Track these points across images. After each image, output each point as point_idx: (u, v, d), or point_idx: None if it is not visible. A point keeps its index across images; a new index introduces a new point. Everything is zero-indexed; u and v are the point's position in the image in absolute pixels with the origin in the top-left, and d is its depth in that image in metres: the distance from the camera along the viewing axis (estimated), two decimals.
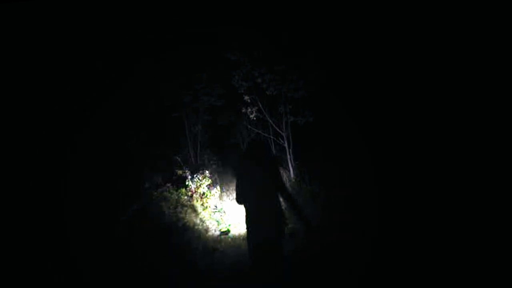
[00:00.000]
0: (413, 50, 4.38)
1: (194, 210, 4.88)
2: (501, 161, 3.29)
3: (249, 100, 5.17)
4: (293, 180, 5.11)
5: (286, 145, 5.23)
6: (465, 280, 2.69)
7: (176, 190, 5.08)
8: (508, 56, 3.52)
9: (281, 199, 2.87)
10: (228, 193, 5.67)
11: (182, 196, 5.01)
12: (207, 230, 4.55)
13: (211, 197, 5.11)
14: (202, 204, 5.00)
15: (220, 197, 5.32)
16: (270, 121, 5.30)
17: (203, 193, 5.06)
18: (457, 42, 3.95)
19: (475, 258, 2.79)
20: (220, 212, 4.96)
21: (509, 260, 2.67)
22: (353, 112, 4.95)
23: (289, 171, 5.26)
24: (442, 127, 3.95)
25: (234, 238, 4.34)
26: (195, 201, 5.00)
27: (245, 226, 2.89)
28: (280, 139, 5.31)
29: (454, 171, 3.52)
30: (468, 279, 2.68)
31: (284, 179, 5.12)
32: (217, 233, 4.52)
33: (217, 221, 4.77)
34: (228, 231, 4.55)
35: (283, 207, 2.89)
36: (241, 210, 3.05)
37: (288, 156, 5.22)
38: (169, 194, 5.00)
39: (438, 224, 3.22)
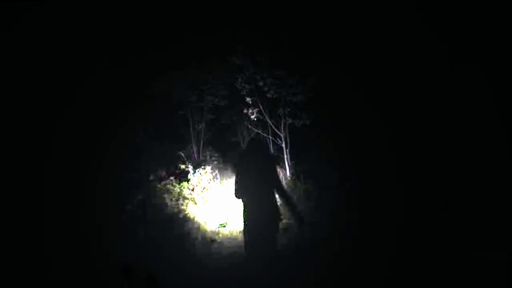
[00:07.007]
0: (409, 55, 4.41)
1: (195, 203, 4.91)
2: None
3: (250, 102, 5.21)
4: (289, 179, 5.15)
5: (283, 145, 5.27)
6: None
7: (179, 184, 5.12)
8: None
9: (276, 196, 2.91)
10: (227, 188, 5.70)
11: (184, 189, 5.04)
12: (206, 222, 4.59)
13: (211, 191, 5.14)
14: (203, 198, 5.03)
15: (220, 191, 5.36)
16: (270, 122, 5.33)
17: (204, 187, 5.10)
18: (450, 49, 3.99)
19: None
20: (219, 206, 5.00)
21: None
22: (348, 116, 5.00)
23: (285, 169, 5.30)
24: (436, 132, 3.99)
25: (231, 231, 4.38)
26: (196, 194, 5.03)
27: (242, 219, 2.93)
28: (278, 140, 5.35)
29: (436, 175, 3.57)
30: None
31: (281, 177, 5.15)
32: (216, 225, 4.56)
33: (216, 214, 4.80)
34: (226, 224, 4.58)
35: (278, 203, 2.93)
36: (239, 204, 3.10)
37: (285, 156, 5.26)
38: (172, 187, 5.04)
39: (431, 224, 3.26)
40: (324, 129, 5.14)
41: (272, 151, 5.53)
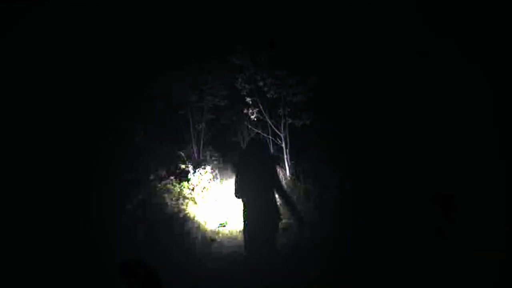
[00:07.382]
0: (409, 55, 4.41)
1: (195, 202, 4.91)
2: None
3: (250, 102, 5.21)
4: (289, 179, 5.15)
5: (283, 145, 5.26)
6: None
7: (179, 183, 5.11)
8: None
9: (276, 196, 2.91)
10: (227, 188, 5.70)
11: (184, 189, 5.04)
12: (206, 221, 4.58)
13: (211, 191, 5.14)
14: (203, 197, 5.03)
15: (220, 191, 5.35)
16: (270, 122, 5.33)
17: (204, 187, 5.09)
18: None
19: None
20: (219, 206, 4.99)
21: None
22: (348, 116, 5.00)
23: (285, 169, 5.30)
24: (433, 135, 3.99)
25: (231, 230, 4.38)
26: (196, 194, 5.03)
27: (242, 219, 2.93)
28: (278, 140, 5.35)
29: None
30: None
31: (281, 177, 5.14)
32: (216, 224, 4.56)
33: (216, 213, 4.80)
34: (226, 223, 4.58)
35: (278, 203, 2.92)
36: (238, 204, 3.10)
37: (285, 156, 5.26)
38: (172, 187, 5.04)
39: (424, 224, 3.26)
40: (324, 129, 5.14)
41: (272, 151, 5.52)
